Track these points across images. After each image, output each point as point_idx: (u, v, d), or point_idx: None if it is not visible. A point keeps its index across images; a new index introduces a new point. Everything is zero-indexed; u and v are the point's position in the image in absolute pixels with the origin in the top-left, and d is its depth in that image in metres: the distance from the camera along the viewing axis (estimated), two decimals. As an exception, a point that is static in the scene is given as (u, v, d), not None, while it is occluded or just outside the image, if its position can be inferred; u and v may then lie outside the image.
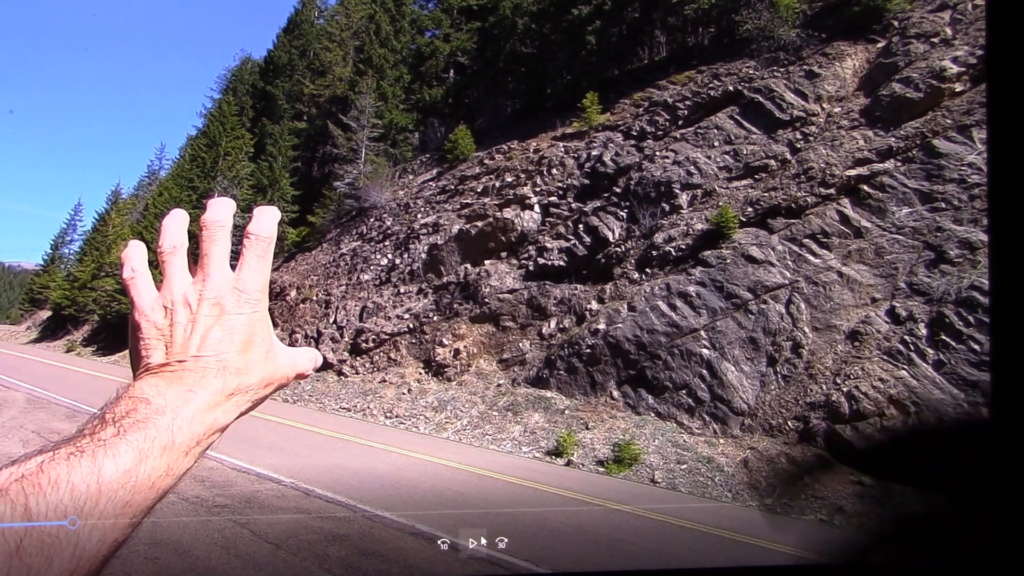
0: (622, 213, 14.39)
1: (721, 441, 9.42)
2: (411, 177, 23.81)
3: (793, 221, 11.69)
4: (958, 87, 12.21)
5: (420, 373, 13.99)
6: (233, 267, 0.56)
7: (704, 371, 10.30)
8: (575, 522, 6.24)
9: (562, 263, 14.33)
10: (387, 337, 15.33)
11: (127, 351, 0.56)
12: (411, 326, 15.25)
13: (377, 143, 25.76)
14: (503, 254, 15.65)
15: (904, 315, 9.56)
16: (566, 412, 10.96)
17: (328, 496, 6.41)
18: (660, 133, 15.90)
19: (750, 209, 12.44)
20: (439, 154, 23.11)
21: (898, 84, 12.97)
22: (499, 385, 12.50)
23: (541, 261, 14.64)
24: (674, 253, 12.56)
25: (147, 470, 0.45)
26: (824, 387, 9.31)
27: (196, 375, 0.51)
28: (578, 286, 13.61)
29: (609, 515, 6.92)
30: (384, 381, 14.10)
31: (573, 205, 15.56)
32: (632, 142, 16.22)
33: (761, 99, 14.59)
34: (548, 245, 14.90)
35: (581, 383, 11.47)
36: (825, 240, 11.11)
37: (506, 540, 4.65)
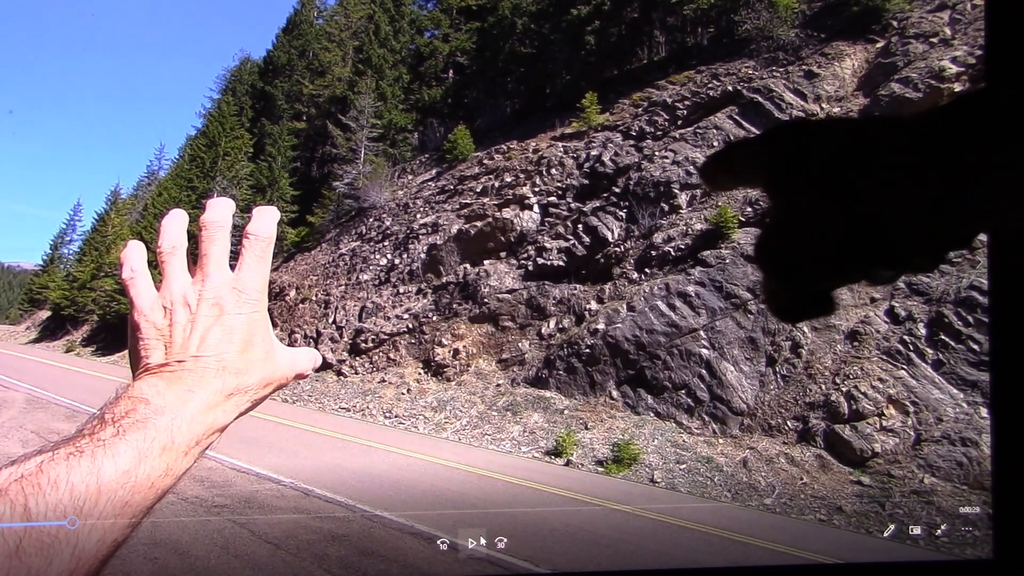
0: (621, 213, 14.39)
1: (720, 441, 9.42)
2: (410, 177, 23.82)
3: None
4: (957, 87, 12.22)
5: (419, 373, 13.99)
6: (232, 267, 0.56)
7: (703, 371, 10.30)
8: (574, 522, 6.24)
9: (561, 263, 14.33)
10: (386, 337, 15.33)
11: (126, 351, 0.56)
12: (410, 326, 15.25)
13: (376, 143, 25.76)
14: (502, 254, 15.65)
15: (903, 315, 9.57)
16: (565, 412, 10.96)
17: (327, 496, 6.41)
18: (659, 133, 15.91)
19: (749, 209, 12.44)
20: (438, 154, 23.11)
21: (897, 84, 12.98)
22: (498, 385, 12.50)
23: (540, 261, 14.64)
24: (673, 253, 12.57)
25: (146, 470, 0.45)
26: (823, 387, 9.32)
27: (195, 375, 0.51)
28: (577, 286, 13.61)
29: (608, 515, 6.92)
30: (383, 381, 14.09)
31: (572, 205, 15.56)
32: (631, 142, 16.22)
33: (760, 99, 14.60)
34: (547, 245, 14.90)
35: (580, 383, 11.47)
36: (824, 240, 11.09)
37: (505, 540, 4.65)
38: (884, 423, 8.61)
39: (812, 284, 0.37)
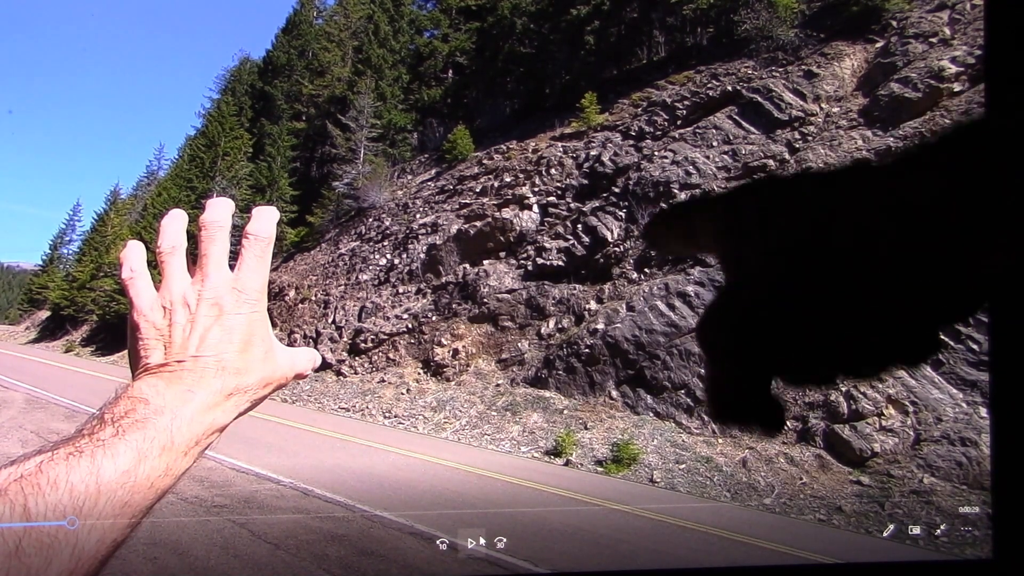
0: (621, 213, 14.39)
1: (720, 441, 9.43)
2: (410, 177, 23.82)
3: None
4: (956, 87, 12.23)
5: (419, 373, 13.98)
6: (232, 267, 0.56)
7: (703, 371, 10.27)
8: (574, 522, 6.24)
9: (561, 263, 14.33)
10: (386, 337, 15.32)
11: (126, 351, 0.56)
12: (410, 326, 15.25)
13: (376, 143, 25.76)
14: (502, 254, 15.65)
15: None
16: (565, 412, 10.96)
17: (327, 496, 6.41)
18: (659, 133, 15.91)
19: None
20: (438, 154, 23.12)
21: (897, 84, 12.98)
22: (498, 385, 12.50)
23: (540, 261, 14.64)
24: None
25: (146, 470, 0.45)
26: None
27: (195, 375, 0.51)
28: (577, 286, 13.61)
29: (608, 515, 6.92)
30: (383, 381, 14.09)
31: (572, 205, 15.56)
32: (631, 142, 16.22)
33: (760, 99, 14.60)
34: (547, 245, 14.90)
35: (580, 383, 11.47)
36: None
37: (505, 540, 4.65)
38: (884, 423, 8.61)
39: (767, 377, 0.30)
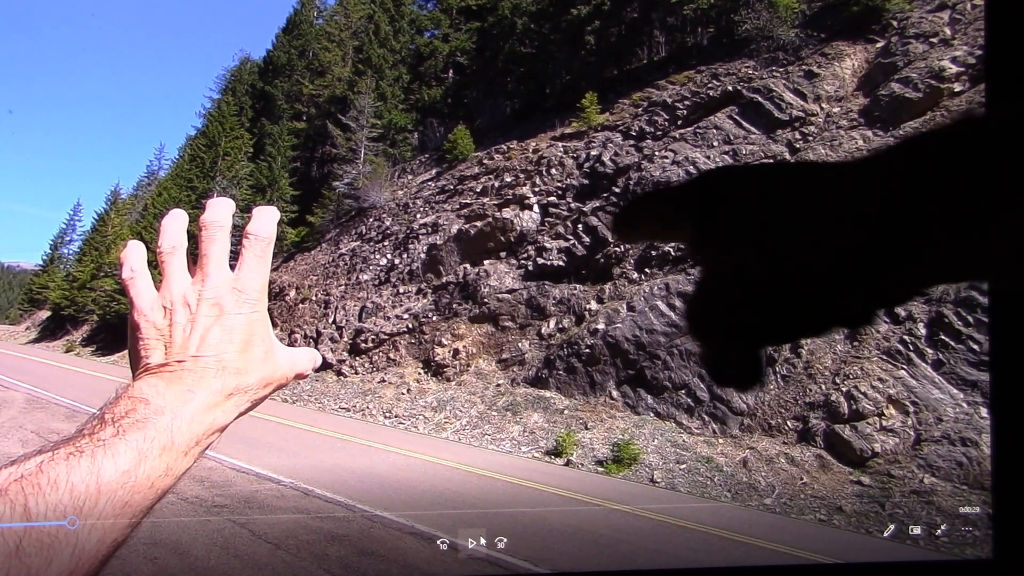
0: (621, 213, 14.37)
1: (720, 441, 9.42)
2: (410, 177, 23.82)
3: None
4: (957, 87, 12.22)
5: (419, 373, 13.98)
6: (232, 267, 0.56)
7: (703, 371, 10.28)
8: (574, 522, 6.24)
9: (561, 263, 14.33)
10: (386, 337, 15.32)
11: (126, 351, 0.56)
12: (410, 326, 15.25)
13: (376, 143, 25.76)
14: (502, 254, 15.65)
15: (903, 315, 9.57)
16: (565, 412, 10.96)
17: (327, 496, 6.41)
18: (659, 133, 15.91)
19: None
20: (438, 154, 23.12)
21: (897, 84, 12.98)
22: (498, 385, 12.50)
23: (540, 261, 14.64)
24: (673, 253, 12.56)
25: (146, 470, 0.45)
26: (823, 387, 9.31)
27: (195, 375, 0.51)
28: (577, 286, 13.61)
29: (608, 515, 6.92)
30: (383, 381, 14.09)
31: (572, 205, 15.56)
32: (631, 142, 16.22)
33: (760, 99, 14.59)
34: (547, 245, 14.90)
35: (580, 383, 11.47)
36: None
37: (505, 540, 4.65)
38: (884, 423, 8.61)
39: (744, 347, 0.33)
